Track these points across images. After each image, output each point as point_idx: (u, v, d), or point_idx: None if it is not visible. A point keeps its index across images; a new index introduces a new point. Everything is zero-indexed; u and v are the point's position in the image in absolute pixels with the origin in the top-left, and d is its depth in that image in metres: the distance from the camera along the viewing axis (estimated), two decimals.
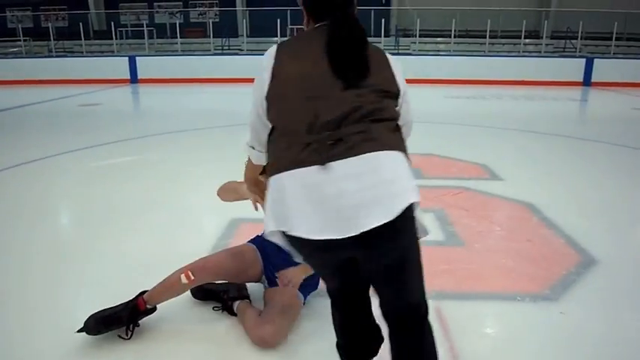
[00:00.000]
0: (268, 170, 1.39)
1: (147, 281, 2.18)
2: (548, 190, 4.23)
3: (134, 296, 2.08)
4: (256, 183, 1.81)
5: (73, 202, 4.19)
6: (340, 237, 1.23)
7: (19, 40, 17.28)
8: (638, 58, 14.57)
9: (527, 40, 16.36)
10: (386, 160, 1.30)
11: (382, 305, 1.48)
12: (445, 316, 2.25)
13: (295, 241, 1.30)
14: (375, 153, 1.28)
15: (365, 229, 1.22)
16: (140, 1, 19.44)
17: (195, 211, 3.74)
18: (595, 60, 13.94)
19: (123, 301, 2.08)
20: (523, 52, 15.89)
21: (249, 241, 2.39)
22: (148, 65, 14.82)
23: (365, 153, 1.27)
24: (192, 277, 2.05)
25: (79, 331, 1.99)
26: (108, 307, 2.04)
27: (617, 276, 2.66)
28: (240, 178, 1.91)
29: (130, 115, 10.13)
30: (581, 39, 15.47)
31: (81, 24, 16.80)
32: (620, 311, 2.32)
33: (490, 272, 2.70)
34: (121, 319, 2.01)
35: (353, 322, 1.64)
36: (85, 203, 4.02)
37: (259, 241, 2.33)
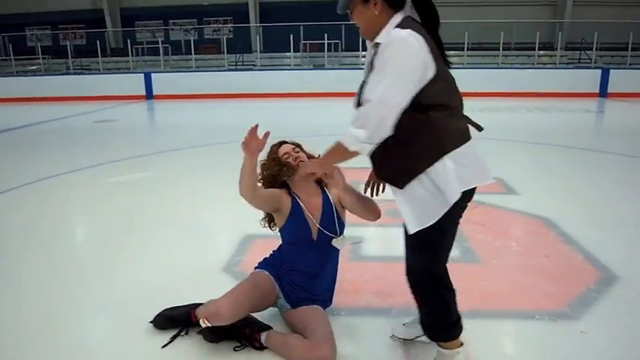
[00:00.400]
0: (443, 146, 1.69)
1: (162, 298, 2.17)
2: (566, 204, 4.15)
3: (194, 303, 2.23)
4: (254, 188, 2.06)
5: (88, 218, 4.22)
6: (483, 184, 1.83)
7: (38, 58, 17.67)
8: None
9: (541, 52, 16.27)
10: None
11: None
12: (461, 335, 2.20)
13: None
14: None
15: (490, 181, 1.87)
16: (156, 19, 19.77)
17: (207, 228, 3.74)
18: (611, 71, 13.79)
19: (182, 305, 2.26)
20: (537, 64, 15.79)
21: (259, 266, 2.34)
22: (163, 81, 15.03)
23: None
24: (209, 324, 2.04)
25: (150, 322, 2.24)
26: (175, 306, 2.27)
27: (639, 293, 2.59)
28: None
29: (145, 131, 10.25)
30: (596, 50, 15.34)
31: (98, 42, 17.13)
32: None
33: (507, 289, 2.64)
34: (180, 323, 2.22)
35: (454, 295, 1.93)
36: (100, 219, 4.05)
37: (271, 264, 2.30)
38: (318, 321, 2.10)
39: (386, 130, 1.62)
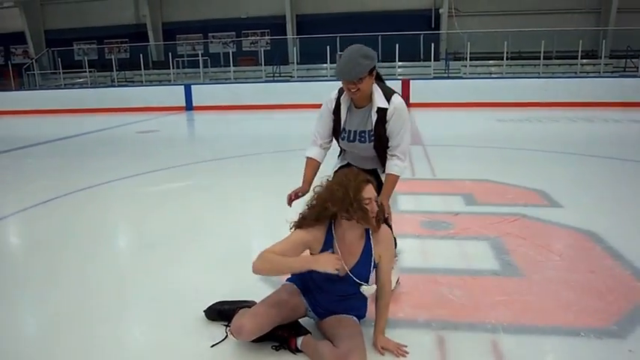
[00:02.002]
0: None
1: (202, 306, 2.21)
2: (612, 217, 4.00)
3: (243, 301, 2.35)
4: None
5: (127, 225, 4.36)
6: None
7: (85, 72, 18.43)
8: None
9: (584, 61, 15.82)
10: None
11: None
12: (502, 351, 2.15)
13: None
14: None
15: None
16: (196, 32, 20.31)
17: (243, 236, 3.80)
18: None
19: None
20: (580, 72, 15.35)
21: (290, 277, 2.33)
22: (202, 93, 15.41)
23: None
24: (237, 339, 2.11)
25: (204, 311, 2.40)
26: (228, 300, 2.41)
27: None
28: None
29: (185, 141, 10.52)
30: None
31: (141, 55, 17.74)
32: None
33: (551, 305, 2.56)
34: (229, 317, 2.25)
35: None
36: (139, 227, 4.17)
37: (300, 278, 2.27)
38: (348, 329, 2.10)
39: None
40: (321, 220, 2.11)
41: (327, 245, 2.12)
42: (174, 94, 15.42)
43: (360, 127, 2.47)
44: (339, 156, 2.74)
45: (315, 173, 2.55)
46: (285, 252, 2.05)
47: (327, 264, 2.00)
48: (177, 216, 4.37)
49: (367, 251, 2.15)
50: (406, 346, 2.15)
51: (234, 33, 20.16)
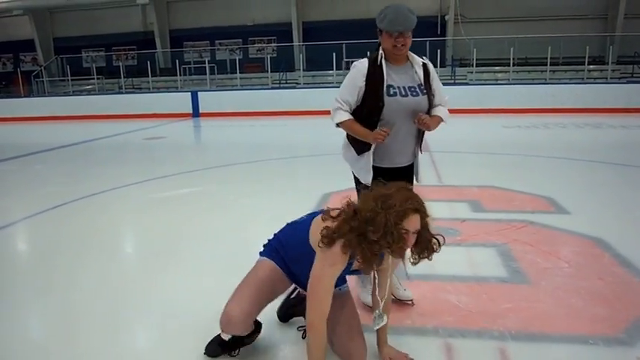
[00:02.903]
0: None
1: (210, 314, 2.21)
2: (620, 224, 3.98)
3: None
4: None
5: (135, 232, 4.38)
6: None
7: (93, 79, 18.60)
8: None
9: (591, 67, 15.78)
10: None
11: None
12: (510, 358, 2.15)
13: None
14: None
15: None
16: (202, 39, 20.46)
17: (250, 243, 3.80)
18: None
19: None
20: (587, 78, 15.31)
21: (263, 252, 2.19)
22: (209, 100, 15.49)
23: None
24: (229, 335, 2.05)
25: (204, 353, 2.16)
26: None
27: None
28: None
29: (191, 147, 10.56)
30: None
31: (148, 62, 17.90)
32: None
33: (559, 312, 2.55)
34: (229, 345, 2.14)
35: None
36: (147, 233, 4.19)
37: (274, 249, 2.16)
38: (344, 311, 2.10)
39: None
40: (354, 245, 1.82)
41: (348, 265, 1.92)
42: (181, 101, 15.51)
43: (408, 82, 2.43)
44: (360, 152, 2.50)
45: None
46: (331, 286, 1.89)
47: None
48: (184, 223, 4.38)
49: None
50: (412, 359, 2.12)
51: (240, 40, 20.28)
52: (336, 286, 2.06)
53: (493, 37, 15.98)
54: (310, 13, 19.41)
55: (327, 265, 1.85)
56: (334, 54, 15.90)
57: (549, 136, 9.63)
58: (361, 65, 2.42)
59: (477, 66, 15.98)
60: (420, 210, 1.79)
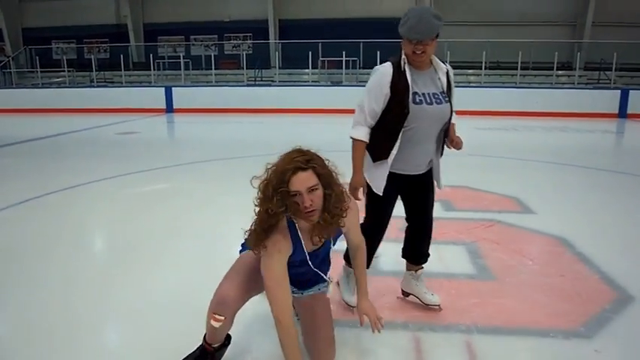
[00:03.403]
0: None
1: (180, 307, 2.23)
2: (582, 224, 4.16)
3: (200, 343, 2.08)
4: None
5: (109, 227, 4.33)
6: None
7: (63, 71, 18.15)
8: None
9: (560, 72, 16.23)
10: None
11: None
12: (476, 351, 2.24)
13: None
14: None
15: None
16: (177, 34, 20.20)
17: (224, 239, 3.82)
18: (630, 92, 13.70)
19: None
20: (556, 83, 15.75)
21: (243, 248, 2.13)
22: (183, 95, 15.33)
23: None
24: (222, 317, 1.92)
25: None
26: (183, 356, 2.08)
27: None
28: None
29: (165, 143, 10.45)
30: (615, 70, 15.27)
31: (121, 56, 17.56)
32: None
33: (522, 307, 2.66)
34: None
35: None
36: (121, 229, 4.16)
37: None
38: (319, 316, 2.10)
39: None
40: (272, 228, 1.81)
41: (297, 245, 1.89)
42: (154, 96, 15.30)
43: (432, 89, 2.35)
44: (377, 159, 2.40)
45: None
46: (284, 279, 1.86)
47: None
48: (156, 218, 4.37)
49: (325, 245, 1.99)
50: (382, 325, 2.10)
51: (216, 36, 20.11)
52: (314, 285, 2.12)
53: (466, 41, 16.26)
54: (287, 11, 19.38)
55: (268, 255, 1.82)
56: (310, 52, 15.94)
57: (518, 139, 9.91)
58: (385, 70, 2.31)
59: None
60: (303, 167, 1.71)
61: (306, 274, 2.04)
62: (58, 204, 4.89)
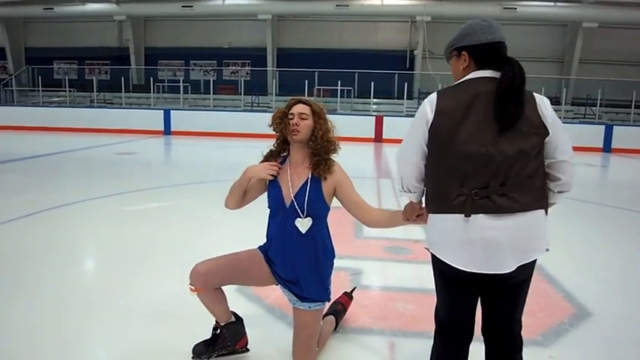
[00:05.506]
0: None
1: (174, 323, 2.45)
2: (554, 249, 4.35)
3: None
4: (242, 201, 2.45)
5: (104, 245, 4.43)
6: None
7: (64, 91, 18.51)
8: None
9: None
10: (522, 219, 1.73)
11: None
12: None
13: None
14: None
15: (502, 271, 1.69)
16: (177, 59, 20.72)
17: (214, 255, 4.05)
18: (614, 127, 14.21)
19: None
20: None
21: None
22: (181, 118, 15.68)
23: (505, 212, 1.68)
24: (194, 287, 2.25)
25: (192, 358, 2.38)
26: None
27: (610, 329, 2.86)
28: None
29: (162, 164, 10.73)
30: (600, 106, 15.82)
31: (122, 78, 17.98)
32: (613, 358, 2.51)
33: None
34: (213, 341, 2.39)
35: None
36: (115, 246, 4.29)
37: (263, 245, 2.41)
38: (302, 332, 2.30)
39: None
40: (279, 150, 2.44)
41: (281, 176, 2.33)
42: (153, 118, 15.64)
43: None
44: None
45: None
46: (252, 185, 2.40)
47: (261, 170, 2.33)
48: (150, 236, 4.54)
49: (309, 182, 2.25)
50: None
51: (215, 62, 20.63)
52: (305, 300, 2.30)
53: None
54: (285, 40, 19.99)
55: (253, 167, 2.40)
56: (307, 81, 16.41)
57: None
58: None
59: None
60: (303, 102, 2.35)
61: (282, 225, 2.26)
62: (53, 220, 5.01)
